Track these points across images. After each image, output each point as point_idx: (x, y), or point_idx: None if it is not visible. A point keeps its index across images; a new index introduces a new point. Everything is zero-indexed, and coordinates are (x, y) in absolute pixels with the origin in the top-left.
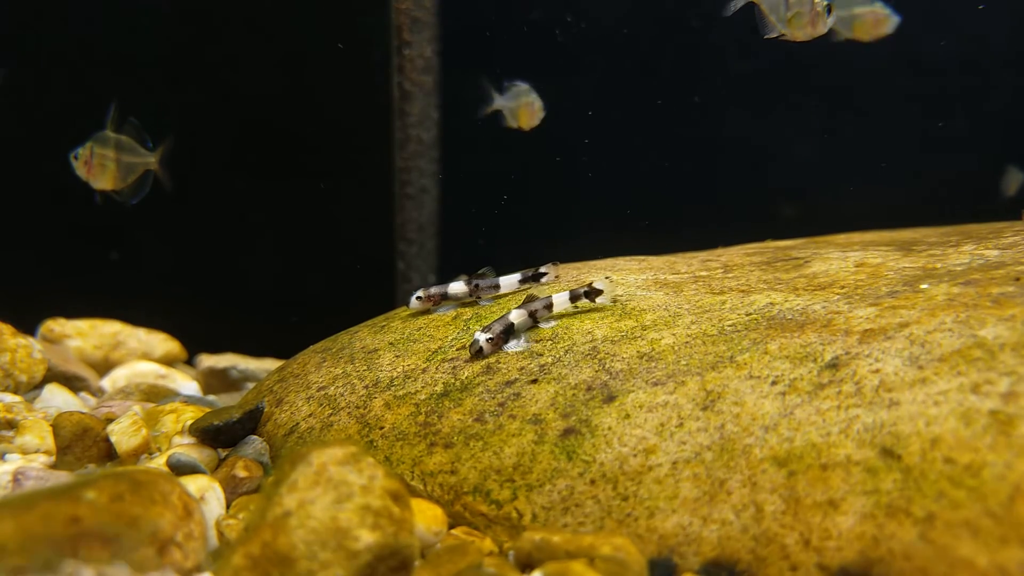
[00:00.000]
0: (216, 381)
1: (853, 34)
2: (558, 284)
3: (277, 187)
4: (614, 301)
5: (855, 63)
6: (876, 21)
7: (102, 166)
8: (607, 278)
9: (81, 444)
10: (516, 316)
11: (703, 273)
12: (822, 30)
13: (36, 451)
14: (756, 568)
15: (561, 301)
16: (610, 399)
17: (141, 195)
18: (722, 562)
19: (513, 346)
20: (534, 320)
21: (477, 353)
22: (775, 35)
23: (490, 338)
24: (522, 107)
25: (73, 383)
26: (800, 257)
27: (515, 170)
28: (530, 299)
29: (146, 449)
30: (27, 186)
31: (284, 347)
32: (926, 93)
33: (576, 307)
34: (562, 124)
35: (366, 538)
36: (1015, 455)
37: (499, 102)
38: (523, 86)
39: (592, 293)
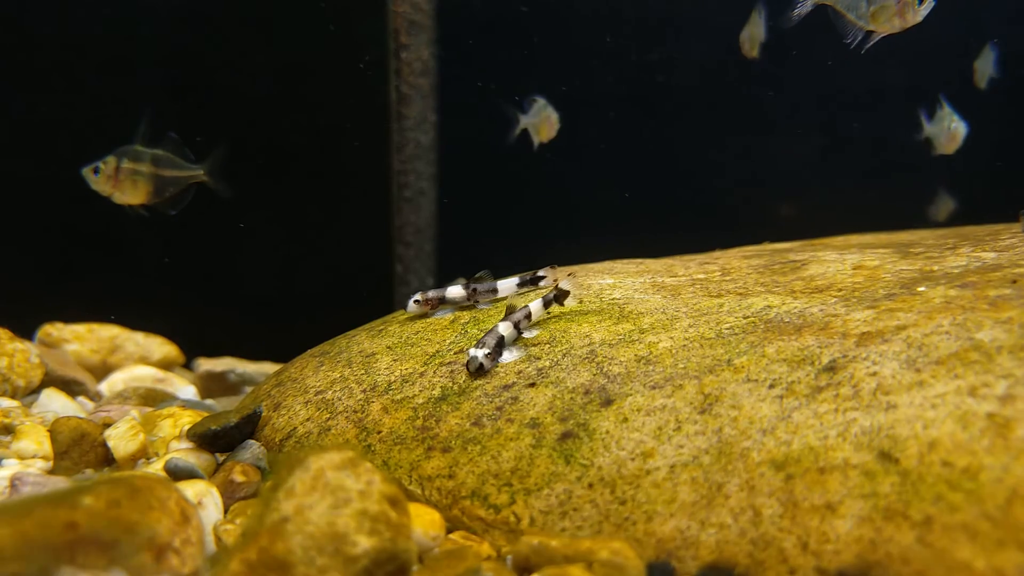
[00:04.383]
0: (214, 385)
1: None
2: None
3: (275, 190)
4: (580, 301)
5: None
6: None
7: (132, 181)
8: (570, 275)
9: (78, 449)
10: (504, 328)
11: (701, 276)
12: (914, 19)
13: (33, 456)
14: (754, 572)
15: (536, 308)
16: (608, 403)
17: (179, 208)
18: (720, 566)
19: (507, 357)
20: (518, 331)
21: (478, 370)
22: (859, 35)
23: (488, 353)
24: (542, 121)
25: (71, 387)
26: (797, 260)
27: (514, 172)
28: (511, 310)
29: (143, 454)
30: (25, 189)
31: (282, 351)
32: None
33: (548, 312)
34: (561, 126)
35: (363, 543)
36: (1012, 458)
37: (524, 121)
38: (541, 100)
39: (560, 296)
